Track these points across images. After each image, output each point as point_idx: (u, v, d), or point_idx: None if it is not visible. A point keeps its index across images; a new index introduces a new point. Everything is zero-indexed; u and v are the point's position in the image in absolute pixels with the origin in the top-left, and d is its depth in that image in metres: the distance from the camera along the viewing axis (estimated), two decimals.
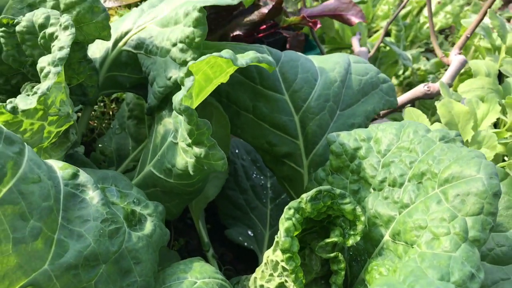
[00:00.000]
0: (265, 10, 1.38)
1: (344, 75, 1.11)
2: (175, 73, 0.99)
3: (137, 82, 1.17)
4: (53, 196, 0.70)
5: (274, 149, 1.08)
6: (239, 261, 1.33)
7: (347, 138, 0.91)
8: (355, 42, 1.79)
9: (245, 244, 1.27)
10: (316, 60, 1.15)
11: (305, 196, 0.77)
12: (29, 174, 0.68)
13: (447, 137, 0.81)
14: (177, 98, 0.75)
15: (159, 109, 1.05)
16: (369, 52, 2.21)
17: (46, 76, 0.80)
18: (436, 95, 1.39)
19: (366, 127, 0.94)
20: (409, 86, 2.63)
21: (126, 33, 1.13)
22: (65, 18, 0.86)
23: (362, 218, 0.77)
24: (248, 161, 1.44)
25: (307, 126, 1.06)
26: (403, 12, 3.12)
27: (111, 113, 1.52)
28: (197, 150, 0.80)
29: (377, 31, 3.08)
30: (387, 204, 0.81)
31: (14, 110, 0.81)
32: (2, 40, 0.93)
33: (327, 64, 1.12)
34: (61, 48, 0.82)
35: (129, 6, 1.45)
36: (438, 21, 2.97)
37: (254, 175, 1.42)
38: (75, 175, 0.77)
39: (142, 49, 1.09)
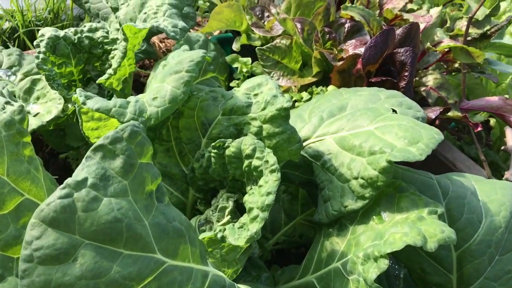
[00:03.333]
0: (432, 115, 1.42)
1: (509, 219, 1.14)
2: (352, 204, 1.08)
3: (305, 181, 1.29)
4: None
5: (426, 276, 1.15)
6: None
7: None
8: (509, 134, 1.76)
9: None
10: (480, 192, 1.19)
11: None
12: None
13: None
14: (370, 276, 0.85)
15: (327, 226, 1.16)
16: None
17: (254, 219, 0.94)
18: None
19: None
20: None
21: (305, 140, 1.24)
22: (273, 161, 0.98)
23: None
24: None
25: (464, 266, 1.11)
26: None
27: None
28: None
29: None
30: None
31: (222, 239, 0.96)
32: (213, 159, 1.08)
33: (492, 204, 1.16)
34: (268, 194, 0.95)
35: (299, 89, 1.55)
36: None
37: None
38: None
39: (319, 161, 1.19)
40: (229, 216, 1.08)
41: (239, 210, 1.13)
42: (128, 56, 1.27)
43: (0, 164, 0.80)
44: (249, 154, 1.04)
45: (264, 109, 1.09)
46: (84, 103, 1.01)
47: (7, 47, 2.06)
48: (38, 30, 2.06)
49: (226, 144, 1.07)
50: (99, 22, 1.71)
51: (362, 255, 0.97)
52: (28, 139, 0.88)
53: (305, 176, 1.28)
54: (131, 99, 1.05)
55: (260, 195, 0.97)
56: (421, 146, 1.03)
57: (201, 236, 0.98)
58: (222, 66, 1.73)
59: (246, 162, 1.04)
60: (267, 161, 1.01)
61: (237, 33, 1.81)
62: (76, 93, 1.03)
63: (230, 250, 1.02)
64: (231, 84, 1.66)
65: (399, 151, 1.03)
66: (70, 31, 1.37)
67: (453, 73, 1.85)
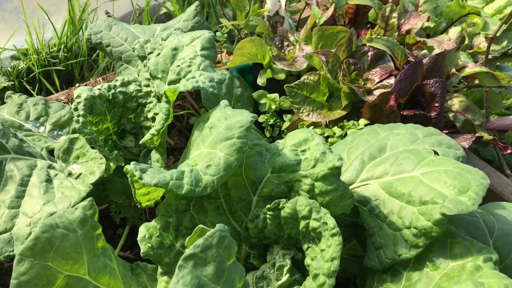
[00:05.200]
0: (465, 145, 1.45)
1: None
2: (405, 252, 1.11)
3: (350, 223, 1.31)
4: None
5: None
6: None
7: None
8: None
9: None
10: None
11: None
12: None
13: None
14: None
15: (380, 271, 1.19)
16: None
17: (321, 285, 0.96)
18: None
19: None
20: None
21: (349, 184, 1.26)
22: (333, 224, 1.00)
23: None
24: None
25: None
26: None
27: None
28: None
29: None
30: None
31: None
32: (269, 221, 1.10)
33: None
34: (333, 259, 0.97)
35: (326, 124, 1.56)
36: None
37: None
38: None
39: (365, 207, 1.22)
40: (287, 275, 1.10)
41: (295, 265, 1.15)
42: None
43: (81, 265, 0.82)
44: (305, 216, 1.06)
45: (314, 166, 1.11)
46: (141, 178, 1.02)
47: (24, 88, 2.05)
48: (54, 70, 2.05)
49: (281, 205, 1.09)
50: (122, 65, 1.71)
51: None
52: (99, 230, 0.89)
53: (351, 219, 1.30)
54: (185, 168, 1.06)
55: (324, 261, 0.99)
56: (472, 195, 1.06)
57: None
58: (248, 101, 1.74)
59: (303, 223, 1.06)
60: (325, 223, 1.03)
61: (259, 64, 1.81)
62: (132, 165, 1.04)
63: None
64: (260, 119, 1.67)
65: (451, 202, 1.05)
66: (103, 87, 1.37)
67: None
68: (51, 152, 1.44)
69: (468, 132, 1.62)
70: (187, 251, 0.71)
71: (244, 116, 1.10)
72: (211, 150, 1.09)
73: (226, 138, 1.08)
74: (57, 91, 2.05)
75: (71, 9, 2.05)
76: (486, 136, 1.55)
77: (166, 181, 1.02)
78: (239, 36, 2.29)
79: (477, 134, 1.52)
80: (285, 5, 2.25)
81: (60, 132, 1.60)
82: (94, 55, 2.24)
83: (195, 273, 0.70)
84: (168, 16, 2.57)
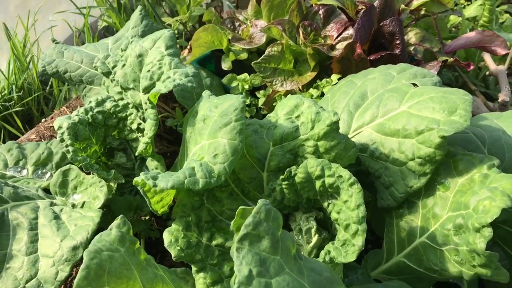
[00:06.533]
0: (434, 71, 1.53)
1: None
2: (416, 182, 1.17)
3: (354, 172, 1.36)
4: None
5: None
6: None
7: None
8: (488, 59, 1.89)
9: None
10: (507, 129, 1.31)
11: None
12: None
13: None
14: (480, 246, 0.95)
15: (396, 207, 1.25)
16: None
17: (355, 233, 1.01)
18: None
19: None
20: None
21: None
22: (348, 174, 1.05)
23: None
24: None
25: None
26: None
27: None
28: (483, 270, 1.01)
29: None
30: None
31: (331, 261, 1.03)
32: (286, 190, 1.13)
33: None
34: (358, 206, 1.02)
35: (305, 87, 1.60)
36: None
37: None
38: None
39: (365, 153, 1.27)
40: (316, 235, 1.14)
41: (318, 224, 1.19)
42: None
43: (135, 281, 0.83)
44: (319, 175, 1.09)
45: (312, 128, 1.15)
46: (155, 185, 1.02)
47: None
48: (12, 113, 1.99)
49: (293, 172, 1.12)
50: (85, 87, 1.68)
51: (453, 227, 1.06)
52: (138, 244, 0.90)
53: (353, 169, 1.35)
54: (193, 164, 1.08)
55: (351, 210, 1.03)
56: (462, 113, 1.13)
57: None
58: (218, 88, 1.75)
59: (318, 183, 1.10)
60: (340, 176, 1.07)
61: (217, 50, 1.82)
62: (141, 176, 1.04)
63: (335, 266, 1.09)
64: None
65: (446, 124, 1.12)
66: (80, 112, 1.35)
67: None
68: (45, 190, 1.41)
69: (429, 60, 1.70)
70: (240, 233, 0.73)
71: (234, 99, 1.12)
72: (212, 140, 1.11)
73: (225, 124, 1.09)
74: (21, 133, 2.00)
75: (13, 46, 1.98)
76: (450, 60, 1.63)
77: (181, 181, 1.03)
78: (185, 30, 2.28)
79: (440, 59, 1.60)
80: None
81: (44, 170, 1.57)
82: (48, 87, 2.18)
83: (253, 251, 0.73)
84: (107, 30, 2.52)
